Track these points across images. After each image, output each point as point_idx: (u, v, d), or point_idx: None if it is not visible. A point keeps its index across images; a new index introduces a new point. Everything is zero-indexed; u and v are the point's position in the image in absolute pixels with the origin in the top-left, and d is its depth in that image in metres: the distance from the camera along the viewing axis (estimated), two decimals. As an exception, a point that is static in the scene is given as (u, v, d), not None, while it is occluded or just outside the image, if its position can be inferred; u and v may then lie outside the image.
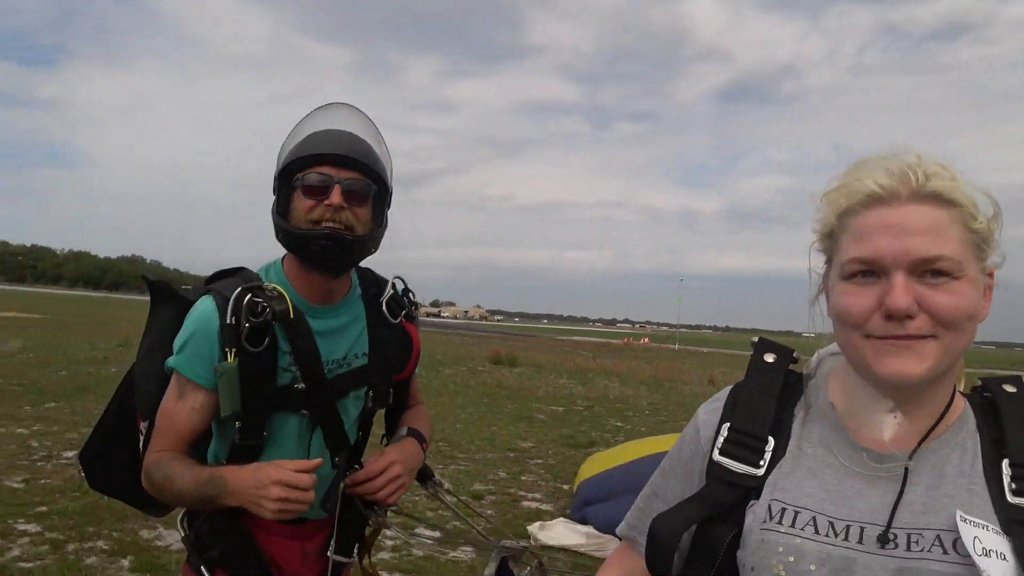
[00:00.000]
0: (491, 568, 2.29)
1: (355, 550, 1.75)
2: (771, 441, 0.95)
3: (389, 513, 1.75)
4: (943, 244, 0.81)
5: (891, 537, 0.84)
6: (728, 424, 0.98)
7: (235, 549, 1.59)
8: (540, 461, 8.14)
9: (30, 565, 4.03)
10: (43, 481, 5.64)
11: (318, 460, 1.47)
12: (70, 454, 6.53)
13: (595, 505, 5.51)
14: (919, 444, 0.89)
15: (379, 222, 1.63)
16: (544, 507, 6.20)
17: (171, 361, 1.56)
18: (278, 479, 1.40)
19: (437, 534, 2.18)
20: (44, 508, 5.00)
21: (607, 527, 5.20)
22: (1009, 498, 0.85)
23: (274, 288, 1.54)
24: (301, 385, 1.56)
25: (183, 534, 1.68)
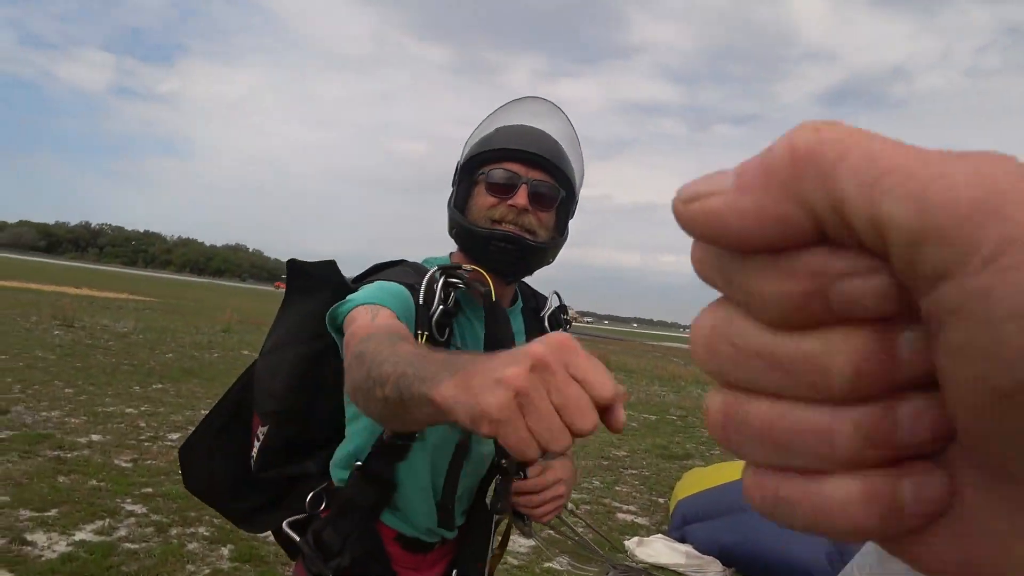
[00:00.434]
0: None
1: None
2: None
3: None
4: None
5: None
6: None
7: (367, 556, 1.44)
8: (634, 472, 7.93)
9: (135, 547, 4.11)
10: (149, 462, 5.79)
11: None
12: (175, 436, 6.71)
13: (694, 524, 5.30)
14: None
15: (561, 231, 1.52)
16: (639, 520, 6.00)
17: (355, 298, 1.29)
18: (524, 387, 0.69)
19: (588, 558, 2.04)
20: (150, 489, 5.12)
21: (707, 548, 5.00)
22: None
23: (474, 269, 1.41)
24: None
25: (297, 539, 1.47)
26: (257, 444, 1.54)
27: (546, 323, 1.59)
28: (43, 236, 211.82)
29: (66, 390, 8.16)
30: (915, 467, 0.21)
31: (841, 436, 0.21)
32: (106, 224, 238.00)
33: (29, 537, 4.01)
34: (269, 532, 1.70)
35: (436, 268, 1.39)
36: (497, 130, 1.49)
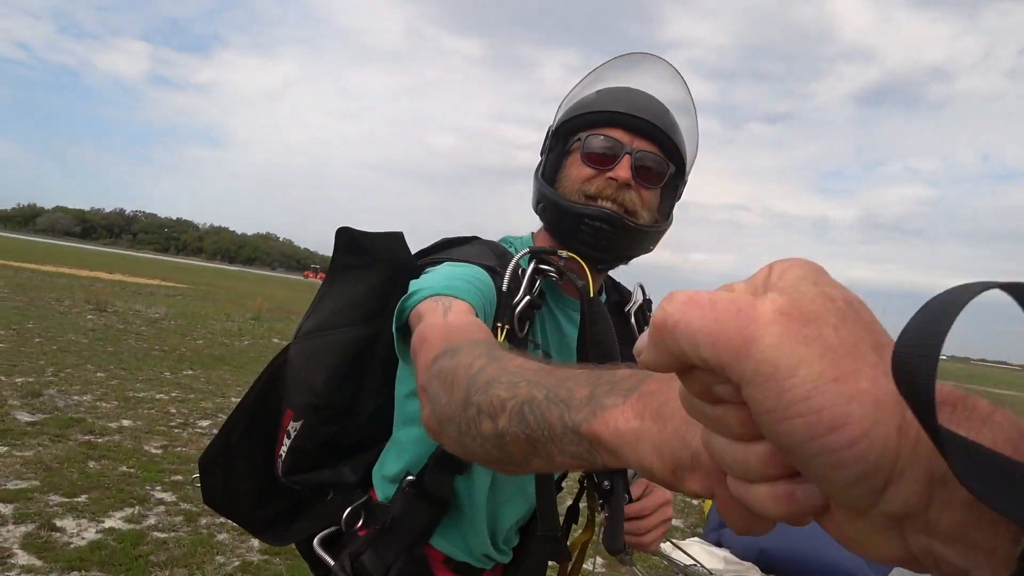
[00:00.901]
0: None
1: None
2: None
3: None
4: None
5: None
6: None
7: None
8: (666, 471, 7.78)
9: (165, 535, 4.05)
10: (179, 449, 5.75)
11: None
12: (205, 423, 6.68)
13: (730, 528, 5.16)
14: None
15: (666, 214, 1.31)
16: (674, 522, 5.86)
17: (426, 285, 1.08)
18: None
19: None
20: (179, 477, 5.07)
21: (745, 552, 4.85)
22: None
23: (571, 257, 1.22)
24: None
25: (331, 562, 1.27)
26: (287, 442, 1.32)
27: (632, 320, 1.40)
28: (79, 222, 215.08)
29: (98, 374, 8.18)
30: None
31: (752, 462, 0.35)
32: (140, 211, 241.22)
33: (59, 523, 3.96)
34: (270, 543, 1.52)
35: (526, 251, 1.22)
36: (599, 92, 1.28)
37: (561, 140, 1.28)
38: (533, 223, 1.38)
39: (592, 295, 1.21)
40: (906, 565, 0.35)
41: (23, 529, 3.83)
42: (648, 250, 1.31)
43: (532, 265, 1.20)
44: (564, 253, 1.23)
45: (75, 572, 3.48)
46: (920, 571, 0.35)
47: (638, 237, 1.25)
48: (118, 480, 4.79)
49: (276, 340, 14.54)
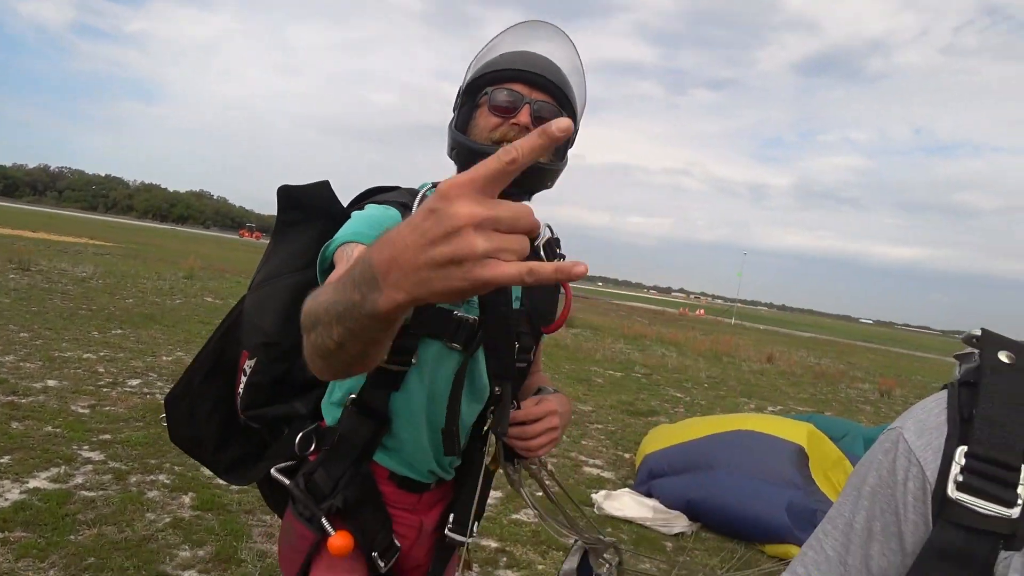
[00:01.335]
0: (572, 562, 2.10)
1: (473, 529, 1.55)
2: None
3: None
4: None
5: None
6: (964, 448, 0.70)
7: (362, 498, 1.41)
8: (600, 426, 7.95)
9: (93, 494, 3.99)
10: (108, 408, 5.65)
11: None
12: (135, 382, 6.56)
13: (661, 479, 5.33)
14: None
15: (561, 156, 1.47)
16: (605, 475, 6.02)
17: (341, 234, 1.24)
18: (477, 217, 0.64)
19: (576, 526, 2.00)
20: (108, 436, 4.99)
21: (673, 502, 5.03)
22: None
23: None
24: (468, 314, 1.35)
25: (287, 482, 1.43)
26: (244, 380, 1.48)
27: (541, 253, 1.50)
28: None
29: (21, 334, 7.95)
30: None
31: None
32: (66, 167, 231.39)
33: (-20, 483, 3.87)
34: (234, 482, 1.65)
35: (431, 183, 1.36)
36: (502, 54, 1.46)
37: (470, 96, 1.45)
38: None
39: None
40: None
41: (-58, 490, 3.73)
42: (548, 186, 1.47)
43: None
44: None
45: (-2, 532, 3.41)
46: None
47: (539, 174, 1.41)
48: (43, 440, 4.69)
49: (209, 299, 14.27)
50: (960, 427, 0.70)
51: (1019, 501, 0.65)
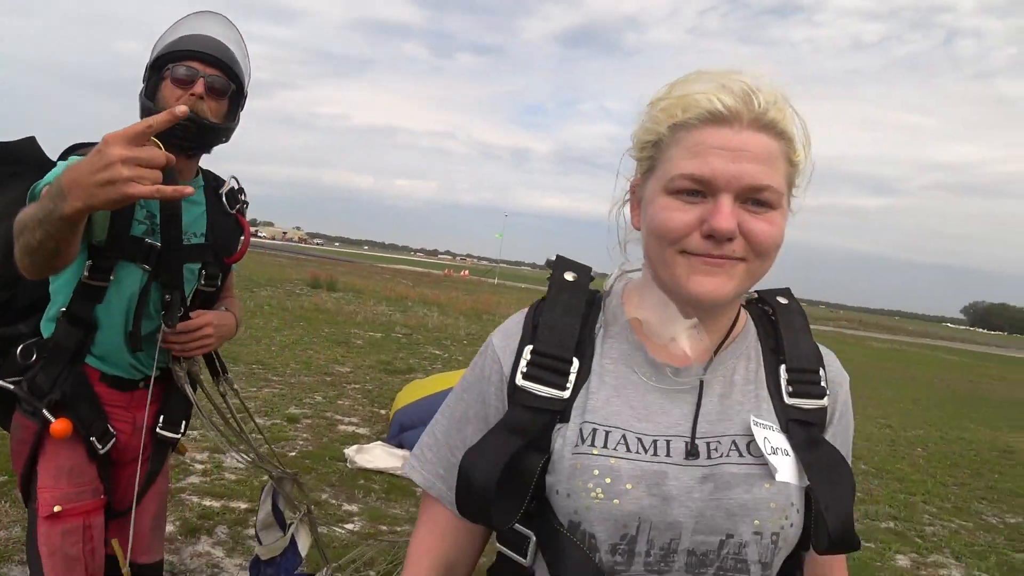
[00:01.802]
0: (265, 508, 2.33)
1: (183, 429, 1.94)
2: (576, 362, 0.91)
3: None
4: (772, 175, 0.84)
5: (695, 447, 0.87)
6: (530, 347, 0.92)
7: (77, 392, 1.71)
8: (357, 386, 8.11)
9: None
10: None
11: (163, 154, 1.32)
12: None
13: (411, 431, 5.59)
14: (712, 357, 0.93)
15: (232, 118, 1.84)
16: (361, 431, 6.21)
17: (47, 178, 1.53)
18: (124, 156, 1.20)
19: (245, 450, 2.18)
20: None
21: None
22: (786, 399, 0.93)
23: (152, 140, 1.49)
24: (155, 241, 1.71)
25: (11, 387, 1.71)
26: None
27: (224, 200, 1.92)
28: None
29: None
30: None
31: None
32: None
33: None
34: None
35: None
36: (181, 37, 1.77)
37: (156, 71, 1.76)
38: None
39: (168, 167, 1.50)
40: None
41: None
42: (223, 141, 1.84)
43: None
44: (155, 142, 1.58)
45: None
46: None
47: (213, 132, 1.77)
48: None
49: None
50: (532, 332, 0.94)
51: (567, 385, 0.91)
